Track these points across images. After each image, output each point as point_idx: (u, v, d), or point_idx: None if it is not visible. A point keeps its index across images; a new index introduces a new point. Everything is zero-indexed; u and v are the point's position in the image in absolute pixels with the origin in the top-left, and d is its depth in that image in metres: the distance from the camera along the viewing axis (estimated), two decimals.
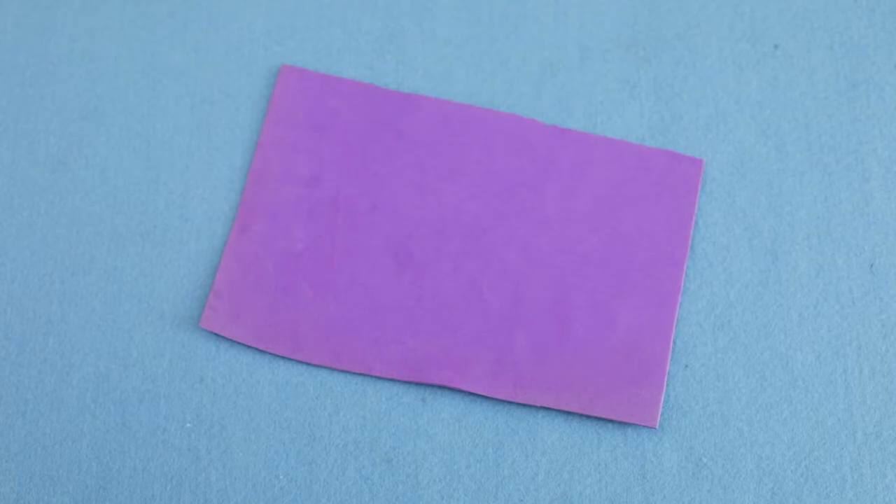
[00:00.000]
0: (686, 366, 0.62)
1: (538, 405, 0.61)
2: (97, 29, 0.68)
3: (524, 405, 0.61)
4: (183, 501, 0.60)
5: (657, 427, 0.60)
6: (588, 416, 0.61)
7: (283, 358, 0.62)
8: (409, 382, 0.62)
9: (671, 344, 0.61)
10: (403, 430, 0.61)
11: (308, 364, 0.62)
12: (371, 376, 0.62)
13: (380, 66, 0.67)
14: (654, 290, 0.62)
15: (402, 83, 0.66)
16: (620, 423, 0.61)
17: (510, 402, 0.61)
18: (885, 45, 0.67)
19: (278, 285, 0.63)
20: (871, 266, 0.63)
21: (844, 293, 0.62)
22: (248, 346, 0.62)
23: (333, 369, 0.62)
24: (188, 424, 0.61)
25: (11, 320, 0.63)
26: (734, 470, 0.60)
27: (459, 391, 0.62)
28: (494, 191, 0.64)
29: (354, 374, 0.62)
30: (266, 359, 0.62)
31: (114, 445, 0.61)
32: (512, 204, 0.64)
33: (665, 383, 0.61)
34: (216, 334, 0.63)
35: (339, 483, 0.60)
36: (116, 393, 0.62)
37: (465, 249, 0.63)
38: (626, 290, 0.62)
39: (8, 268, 0.64)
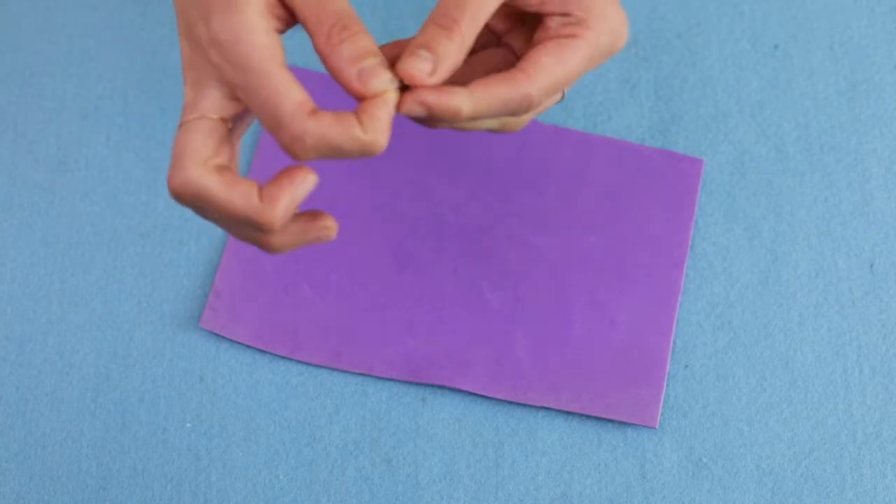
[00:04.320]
0: (686, 366, 0.62)
1: (538, 405, 0.61)
2: (97, 29, 0.68)
3: (524, 405, 0.61)
4: (183, 501, 0.60)
5: (657, 427, 0.60)
6: (588, 416, 0.61)
7: (283, 358, 0.62)
8: (409, 382, 0.62)
9: (671, 344, 0.61)
10: (403, 430, 0.61)
11: (308, 364, 0.62)
12: (371, 376, 0.62)
13: None
14: (654, 290, 0.62)
15: None
16: (620, 423, 0.61)
17: (510, 402, 0.61)
18: (885, 45, 0.67)
19: (278, 285, 0.63)
20: (871, 266, 0.63)
21: (844, 293, 0.62)
22: (248, 346, 0.62)
23: (333, 369, 0.62)
24: (188, 424, 0.61)
25: (11, 320, 0.63)
26: (734, 470, 0.60)
27: (459, 391, 0.62)
28: (494, 191, 0.64)
29: (354, 374, 0.62)
30: (266, 359, 0.62)
31: (114, 445, 0.61)
32: (512, 204, 0.64)
33: (665, 383, 0.61)
34: (216, 334, 0.63)
35: (339, 483, 0.60)
36: (116, 393, 0.62)
37: (465, 249, 0.63)
38: (626, 290, 0.62)
39: (8, 268, 0.64)
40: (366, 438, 0.61)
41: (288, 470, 0.61)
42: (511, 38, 0.51)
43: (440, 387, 0.62)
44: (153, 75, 0.67)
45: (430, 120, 0.47)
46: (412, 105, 0.45)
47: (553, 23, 0.48)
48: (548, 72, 0.47)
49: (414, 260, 0.63)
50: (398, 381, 0.62)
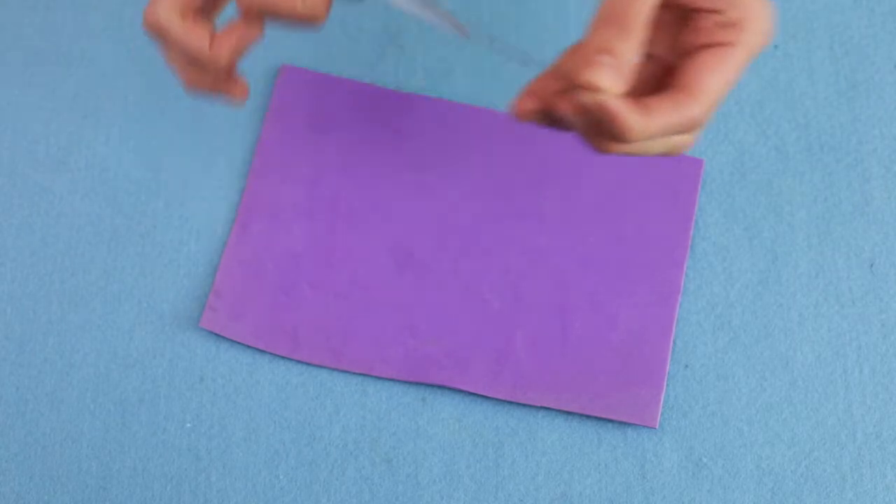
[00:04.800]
0: (686, 366, 0.62)
1: (538, 405, 0.61)
2: (97, 29, 0.68)
3: (524, 405, 0.61)
4: (183, 501, 0.60)
5: (657, 427, 0.60)
6: (588, 416, 0.61)
7: (283, 358, 0.62)
8: (409, 382, 0.62)
9: (671, 344, 0.61)
10: (403, 430, 0.61)
11: (308, 364, 0.62)
12: (371, 376, 0.62)
13: (380, 66, 0.67)
14: (654, 290, 0.62)
15: (402, 83, 0.66)
16: (620, 423, 0.61)
17: (510, 402, 0.61)
18: (885, 45, 0.67)
19: (278, 285, 0.63)
20: (871, 266, 0.63)
21: (844, 293, 0.62)
22: (248, 346, 0.62)
23: (333, 369, 0.62)
24: (188, 424, 0.61)
25: (11, 320, 0.63)
26: (734, 470, 0.60)
27: (459, 391, 0.62)
28: (494, 191, 0.64)
29: (354, 374, 0.62)
30: (266, 359, 0.62)
31: (114, 445, 0.61)
32: (512, 204, 0.64)
33: (665, 383, 0.61)
34: (216, 334, 0.63)
35: (339, 483, 0.60)
36: (116, 393, 0.62)
37: (465, 249, 0.63)
38: (626, 290, 0.62)
39: (8, 268, 0.64)
40: (366, 438, 0.61)
41: (288, 470, 0.61)
42: (654, 47, 0.50)
43: (440, 387, 0.62)
44: (153, 75, 0.67)
45: (595, 134, 0.47)
46: (588, 97, 0.45)
47: (706, 22, 0.47)
48: (711, 90, 0.46)
49: (414, 260, 0.63)
50: (398, 381, 0.62)
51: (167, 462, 0.61)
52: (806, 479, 0.60)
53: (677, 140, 0.48)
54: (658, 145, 0.48)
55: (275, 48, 0.67)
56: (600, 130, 0.46)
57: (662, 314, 0.62)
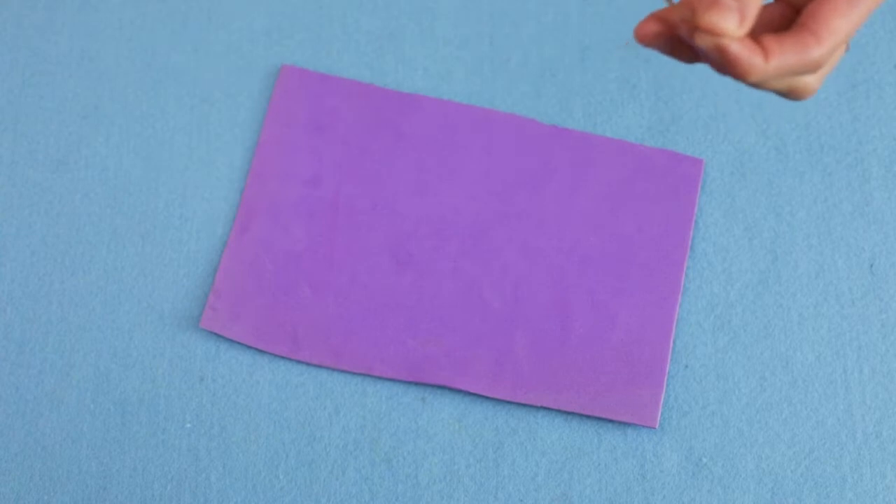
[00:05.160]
0: (686, 366, 0.62)
1: (538, 405, 0.61)
2: (97, 29, 0.68)
3: (524, 405, 0.61)
4: (183, 501, 0.60)
5: (657, 427, 0.60)
6: (588, 416, 0.61)
7: (283, 358, 0.62)
8: (409, 382, 0.62)
9: (671, 344, 0.61)
10: (403, 430, 0.61)
11: (308, 364, 0.62)
12: (371, 376, 0.62)
13: (380, 66, 0.67)
14: (654, 290, 0.62)
15: (402, 83, 0.66)
16: (620, 423, 0.61)
17: (510, 402, 0.61)
18: (885, 45, 0.67)
19: (278, 285, 0.63)
20: (871, 266, 0.63)
21: (844, 293, 0.62)
22: (248, 346, 0.62)
23: (333, 369, 0.62)
24: (188, 424, 0.61)
25: (11, 320, 0.63)
26: (734, 470, 0.60)
27: (459, 391, 0.62)
28: (494, 191, 0.64)
29: (354, 374, 0.62)
30: (266, 359, 0.62)
31: (114, 445, 0.61)
32: (512, 204, 0.64)
33: (665, 383, 0.61)
34: (216, 334, 0.63)
35: (339, 483, 0.60)
36: (116, 393, 0.62)
37: (465, 249, 0.63)
38: (626, 290, 0.62)
39: (8, 268, 0.64)
40: (366, 438, 0.61)
41: (288, 470, 0.61)
42: None
43: (440, 387, 0.62)
44: (153, 75, 0.67)
45: (714, 64, 0.46)
46: (708, 40, 0.45)
47: None
48: (839, 33, 0.46)
49: (414, 260, 0.63)
50: (398, 381, 0.62)
51: (167, 462, 0.61)
52: (806, 479, 0.60)
53: (799, 82, 0.48)
54: (779, 84, 0.48)
55: (275, 48, 0.67)
56: (718, 65, 0.46)
57: (662, 314, 0.62)
